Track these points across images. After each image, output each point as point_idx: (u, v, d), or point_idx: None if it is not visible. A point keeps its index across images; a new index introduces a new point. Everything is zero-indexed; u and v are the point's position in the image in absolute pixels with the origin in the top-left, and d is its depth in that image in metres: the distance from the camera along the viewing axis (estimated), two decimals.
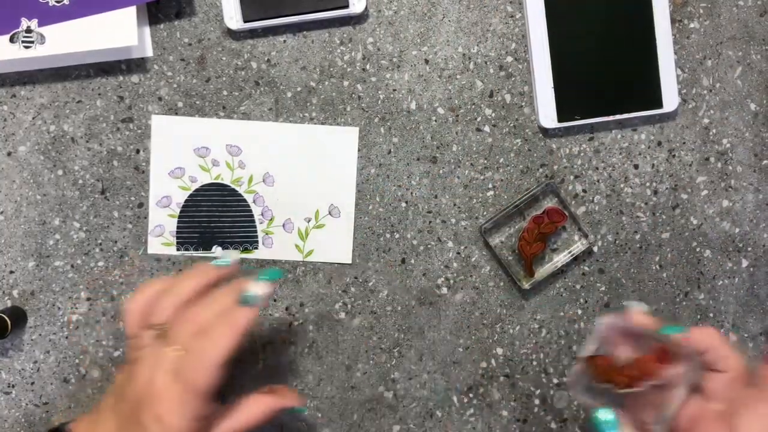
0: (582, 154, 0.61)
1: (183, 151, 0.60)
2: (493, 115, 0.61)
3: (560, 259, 0.61)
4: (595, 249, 0.62)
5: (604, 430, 0.45)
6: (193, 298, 0.49)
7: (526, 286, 0.60)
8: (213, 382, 0.46)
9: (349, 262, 0.61)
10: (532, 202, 0.61)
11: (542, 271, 0.61)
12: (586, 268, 0.62)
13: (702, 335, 0.46)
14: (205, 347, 0.46)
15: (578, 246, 0.61)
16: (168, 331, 0.48)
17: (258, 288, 0.48)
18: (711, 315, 0.62)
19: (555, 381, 0.62)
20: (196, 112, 0.60)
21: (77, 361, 0.60)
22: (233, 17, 0.58)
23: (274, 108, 0.60)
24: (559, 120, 0.59)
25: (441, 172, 0.61)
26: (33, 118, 0.59)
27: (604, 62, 0.59)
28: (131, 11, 0.56)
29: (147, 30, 0.59)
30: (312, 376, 0.61)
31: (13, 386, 0.60)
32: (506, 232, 0.61)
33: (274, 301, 0.60)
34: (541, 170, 0.61)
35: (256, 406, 0.51)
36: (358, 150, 0.60)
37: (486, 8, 0.60)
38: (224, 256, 0.52)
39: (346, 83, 0.60)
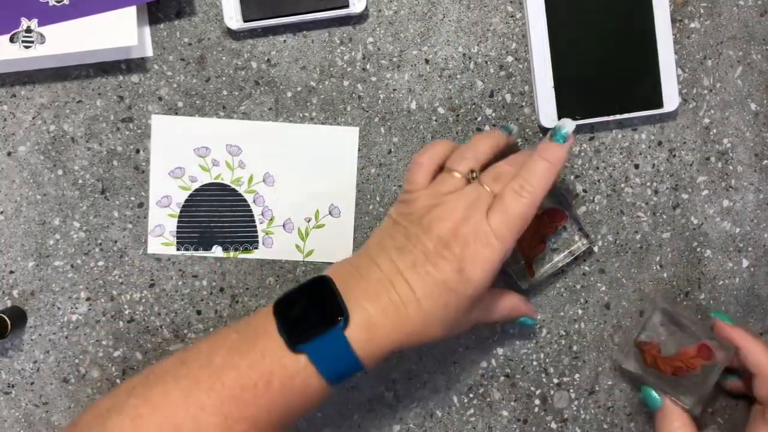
0: (582, 153, 0.61)
1: (183, 151, 0.60)
2: (494, 115, 0.61)
3: (560, 259, 0.61)
4: (596, 249, 0.62)
5: (652, 405, 0.57)
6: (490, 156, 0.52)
7: (525, 286, 0.60)
8: (530, 218, 0.48)
9: None
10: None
11: (542, 272, 0.60)
12: (587, 268, 0.62)
13: (735, 333, 0.56)
14: (523, 183, 0.48)
15: (578, 246, 0.61)
16: (480, 177, 0.50)
17: (568, 124, 0.50)
18: (711, 315, 0.62)
19: (555, 381, 0.62)
20: (196, 112, 0.60)
21: (77, 361, 0.60)
22: (233, 17, 0.58)
23: (274, 108, 0.60)
24: (560, 120, 0.59)
25: None
26: (33, 118, 0.59)
27: (605, 62, 0.59)
28: (131, 11, 0.56)
29: (147, 30, 0.59)
30: None
31: (12, 386, 0.60)
32: None
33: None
34: None
35: (509, 302, 0.55)
36: (358, 150, 0.60)
37: (486, 8, 0.60)
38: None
39: (346, 83, 0.60)
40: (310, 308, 0.47)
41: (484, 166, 0.52)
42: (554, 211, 0.60)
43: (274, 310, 0.48)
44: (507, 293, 0.55)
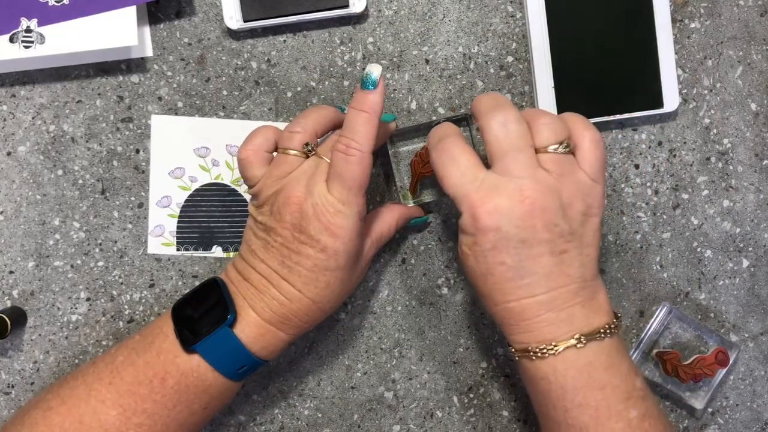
0: None
1: (183, 151, 0.60)
2: None
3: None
4: None
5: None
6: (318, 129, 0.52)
7: (406, 203, 0.57)
8: (368, 172, 0.47)
9: None
10: None
11: (427, 194, 0.58)
12: None
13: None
14: (347, 141, 0.47)
15: None
16: (317, 150, 0.50)
17: (375, 69, 0.48)
18: (712, 315, 0.62)
19: None
20: (196, 112, 0.60)
21: (77, 361, 0.60)
22: (233, 17, 0.57)
23: (274, 108, 0.60)
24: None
25: None
26: (33, 118, 0.59)
27: (605, 62, 0.59)
28: (131, 11, 0.56)
29: (147, 30, 0.59)
30: (312, 376, 0.61)
31: (12, 386, 0.60)
32: (409, 152, 0.58)
33: None
34: None
35: (389, 215, 0.55)
36: None
37: (486, 8, 0.60)
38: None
39: (346, 83, 0.60)
40: (202, 309, 0.50)
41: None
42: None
43: (171, 312, 0.51)
44: (383, 211, 0.55)
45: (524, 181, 0.45)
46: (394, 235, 0.57)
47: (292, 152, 0.50)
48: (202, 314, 0.50)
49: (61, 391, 0.50)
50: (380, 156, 0.60)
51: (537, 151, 0.46)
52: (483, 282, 0.47)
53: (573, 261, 0.46)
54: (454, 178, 0.46)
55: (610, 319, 0.47)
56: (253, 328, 0.49)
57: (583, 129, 0.48)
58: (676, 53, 0.60)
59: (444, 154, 0.47)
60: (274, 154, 0.52)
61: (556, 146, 0.46)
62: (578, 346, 0.45)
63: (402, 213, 0.56)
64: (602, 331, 0.46)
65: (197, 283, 0.60)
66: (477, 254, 0.46)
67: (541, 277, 0.45)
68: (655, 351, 0.61)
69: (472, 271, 0.47)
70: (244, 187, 0.60)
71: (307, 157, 0.50)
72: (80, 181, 0.59)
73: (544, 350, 0.45)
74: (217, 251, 0.60)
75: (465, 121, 0.56)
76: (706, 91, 0.61)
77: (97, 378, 0.49)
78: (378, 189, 0.61)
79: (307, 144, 0.50)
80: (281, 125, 0.54)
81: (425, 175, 0.57)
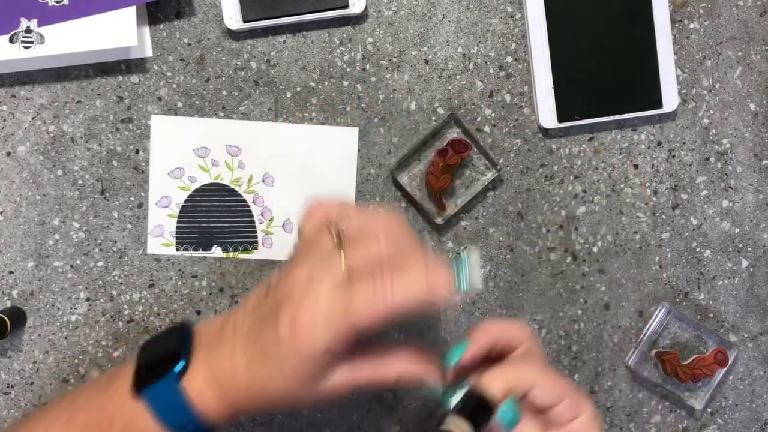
0: (582, 154, 0.61)
1: (183, 151, 0.60)
2: (493, 115, 0.61)
3: (471, 191, 0.60)
4: (595, 249, 0.62)
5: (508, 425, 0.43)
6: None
7: (439, 220, 0.59)
8: (376, 327, 0.39)
9: None
10: (443, 140, 0.60)
11: (454, 205, 0.60)
12: (586, 268, 0.62)
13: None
14: (386, 284, 0.39)
15: (488, 176, 0.60)
16: (347, 240, 0.41)
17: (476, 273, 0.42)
18: (711, 315, 0.62)
19: None
20: (196, 112, 0.60)
21: (77, 361, 0.60)
22: (233, 17, 0.58)
23: (273, 108, 0.60)
24: (559, 120, 0.59)
25: None
26: (32, 118, 0.59)
27: (604, 62, 0.59)
28: (131, 11, 0.56)
29: (147, 30, 0.59)
30: None
31: (12, 386, 0.60)
32: (417, 174, 0.60)
33: None
34: (541, 170, 0.61)
35: (397, 360, 0.44)
36: (358, 150, 0.60)
37: (486, 8, 0.60)
38: (472, 256, 0.44)
39: (345, 83, 0.60)
40: (160, 354, 0.45)
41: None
42: (458, 142, 0.59)
43: (138, 352, 0.46)
44: (395, 348, 0.44)
45: None
46: (397, 387, 0.48)
47: (330, 230, 0.43)
48: (160, 358, 0.44)
49: (20, 428, 0.47)
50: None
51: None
52: None
53: None
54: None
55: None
56: (210, 385, 0.43)
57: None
58: (675, 54, 0.60)
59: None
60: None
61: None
62: None
63: (410, 369, 0.44)
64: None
65: (197, 284, 0.60)
66: None
67: None
68: (654, 351, 0.61)
69: None
70: (244, 187, 0.60)
71: (339, 238, 0.43)
72: (80, 182, 0.59)
73: None
74: (216, 251, 0.60)
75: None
76: (705, 92, 0.61)
77: (56, 416, 0.46)
78: (377, 190, 0.61)
79: (341, 231, 0.43)
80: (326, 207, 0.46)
81: (444, 187, 0.59)
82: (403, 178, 0.60)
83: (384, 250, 0.41)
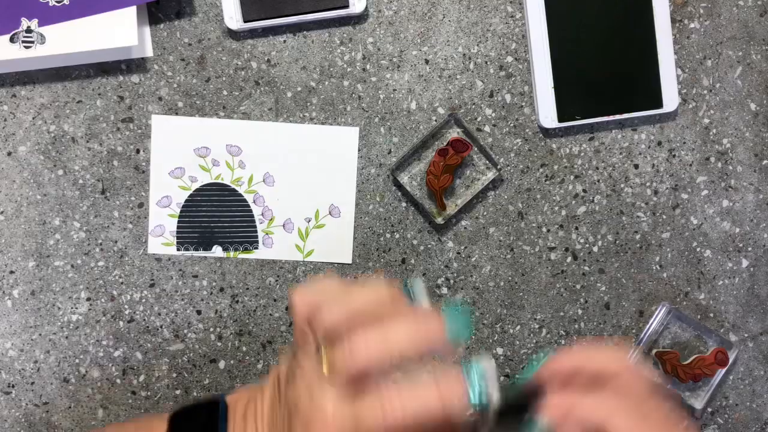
0: (582, 154, 0.61)
1: (183, 151, 0.60)
2: (494, 115, 0.61)
3: (471, 190, 0.60)
4: (596, 249, 0.62)
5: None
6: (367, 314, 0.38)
7: (439, 220, 0.60)
8: None
9: (350, 262, 0.61)
10: (443, 140, 0.60)
11: (455, 204, 0.60)
12: (586, 268, 0.62)
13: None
14: (393, 398, 0.36)
15: (488, 176, 0.60)
16: (334, 342, 0.38)
17: (486, 363, 0.37)
18: (711, 315, 0.62)
19: None
20: (196, 112, 0.60)
21: (77, 360, 0.60)
22: (233, 17, 0.58)
23: (274, 108, 0.60)
24: (560, 120, 0.59)
25: None
26: (33, 118, 0.59)
27: (605, 62, 0.59)
28: (131, 11, 0.56)
29: (147, 30, 0.59)
30: None
31: (13, 386, 0.60)
32: (417, 173, 0.61)
33: (275, 300, 0.60)
34: (541, 170, 0.61)
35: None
36: (358, 150, 0.60)
37: (486, 8, 0.60)
38: (416, 286, 0.41)
39: (346, 83, 0.60)
40: (195, 428, 0.44)
41: None
42: (458, 142, 0.59)
43: (169, 419, 0.45)
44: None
45: None
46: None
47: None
48: None
49: None
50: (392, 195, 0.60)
51: None
52: None
53: None
54: None
55: None
56: None
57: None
58: (675, 53, 0.60)
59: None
60: None
61: None
62: None
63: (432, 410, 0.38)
64: None
65: (197, 284, 0.60)
66: None
67: None
68: (654, 351, 0.61)
69: None
70: (244, 186, 0.60)
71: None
72: (80, 181, 0.59)
73: None
74: (217, 251, 0.60)
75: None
76: (705, 91, 0.61)
77: None
78: (378, 190, 0.61)
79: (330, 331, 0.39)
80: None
81: (445, 187, 0.59)
82: (403, 178, 0.60)
83: (374, 346, 0.37)
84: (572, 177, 0.61)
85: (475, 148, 0.60)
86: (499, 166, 0.60)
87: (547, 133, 0.61)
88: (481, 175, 0.61)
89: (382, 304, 0.39)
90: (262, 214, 0.60)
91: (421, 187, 0.60)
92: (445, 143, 0.59)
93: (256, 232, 0.60)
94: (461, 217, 0.61)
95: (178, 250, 0.60)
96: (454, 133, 0.60)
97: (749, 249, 0.62)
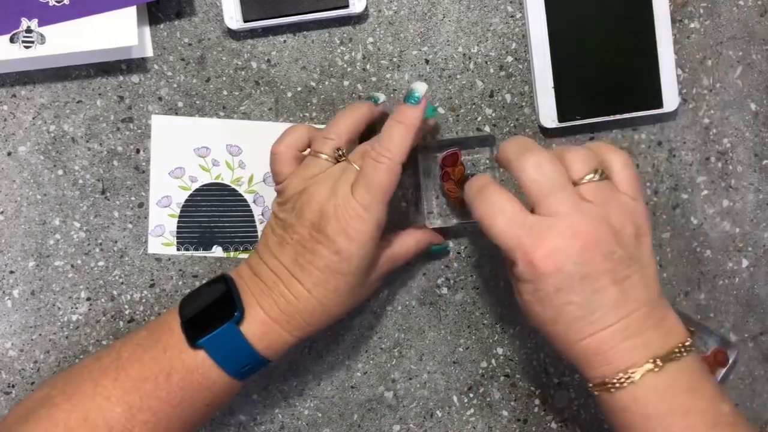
0: None
1: (183, 151, 0.60)
2: (494, 115, 0.61)
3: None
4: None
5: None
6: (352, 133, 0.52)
7: (432, 222, 0.59)
8: (395, 181, 0.48)
9: None
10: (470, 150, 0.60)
11: (452, 217, 0.60)
12: None
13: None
14: (381, 150, 0.48)
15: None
16: (349, 156, 0.51)
17: (419, 86, 0.50)
18: (711, 315, 0.62)
19: (555, 381, 0.62)
20: (196, 112, 0.60)
21: (77, 361, 0.60)
22: (233, 17, 0.58)
23: (274, 108, 0.60)
24: (560, 120, 0.59)
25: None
26: (33, 118, 0.59)
27: (605, 62, 0.59)
28: (131, 11, 0.56)
29: (147, 30, 0.59)
30: (312, 376, 0.61)
31: (13, 386, 0.60)
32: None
33: None
34: None
35: (409, 237, 0.55)
36: None
37: (486, 8, 0.60)
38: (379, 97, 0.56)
39: (346, 83, 0.60)
40: (209, 305, 0.50)
41: (362, 138, 0.53)
42: (447, 158, 0.59)
43: (179, 308, 0.51)
44: (404, 233, 0.56)
45: (572, 216, 0.44)
46: (412, 259, 0.57)
47: (324, 156, 0.51)
48: (209, 310, 0.49)
49: (66, 387, 0.49)
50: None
51: (575, 184, 0.46)
52: (553, 325, 0.45)
53: (636, 285, 0.45)
54: (501, 226, 0.45)
55: (684, 338, 0.46)
56: (259, 325, 0.49)
57: (611, 154, 0.48)
58: (675, 53, 0.60)
59: (487, 204, 0.47)
60: (306, 151, 0.53)
61: (592, 175, 0.46)
62: (655, 369, 0.44)
63: (422, 238, 0.57)
64: (677, 350, 0.45)
65: (197, 284, 0.60)
66: (542, 299, 0.45)
67: (610, 308, 0.44)
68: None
69: (539, 316, 0.46)
70: (245, 186, 0.60)
71: (337, 161, 0.51)
72: (80, 181, 0.59)
73: (622, 380, 0.44)
74: (217, 251, 0.60)
75: (489, 141, 0.58)
76: (705, 91, 0.61)
77: (102, 373, 0.49)
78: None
79: (338, 149, 0.51)
80: (319, 126, 0.55)
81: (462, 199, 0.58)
82: (404, 178, 0.60)
83: (369, 142, 0.52)
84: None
85: (476, 148, 0.60)
86: (494, 145, 0.59)
87: (548, 133, 0.61)
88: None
89: (364, 118, 0.53)
90: (262, 214, 0.60)
91: (420, 187, 0.60)
92: (439, 169, 0.59)
93: (256, 232, 0.60)
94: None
95: (178, 250, 0.60)
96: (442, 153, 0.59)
97: (749, 249, 0.62)
